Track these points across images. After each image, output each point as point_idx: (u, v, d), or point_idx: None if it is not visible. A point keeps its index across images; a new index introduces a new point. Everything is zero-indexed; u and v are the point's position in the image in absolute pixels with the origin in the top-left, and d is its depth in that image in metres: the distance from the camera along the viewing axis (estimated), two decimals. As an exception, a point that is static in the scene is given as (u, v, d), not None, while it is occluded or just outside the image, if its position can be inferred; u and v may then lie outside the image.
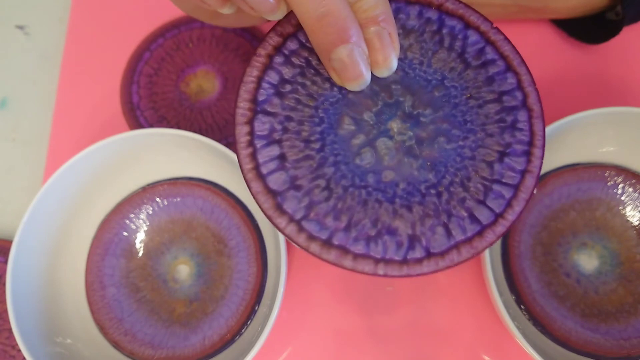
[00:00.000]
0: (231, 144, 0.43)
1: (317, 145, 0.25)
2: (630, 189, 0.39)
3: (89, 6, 0.49)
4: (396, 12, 0.26)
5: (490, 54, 0.26)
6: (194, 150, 0.38)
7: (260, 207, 0.24)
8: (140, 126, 0.45)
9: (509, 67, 0.26)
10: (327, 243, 0.23)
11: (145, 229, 0.41)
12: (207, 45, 0.47)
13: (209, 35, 0.47)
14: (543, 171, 0.39)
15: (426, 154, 0.25)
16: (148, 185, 0.41)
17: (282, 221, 0.24)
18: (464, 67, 0.26)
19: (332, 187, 0.24)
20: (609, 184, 0.39)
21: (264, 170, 0.24)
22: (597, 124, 0.37)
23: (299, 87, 0.25)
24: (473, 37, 0.26)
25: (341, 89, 0.25)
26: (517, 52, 0.26)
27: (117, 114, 0.46)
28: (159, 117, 0.45)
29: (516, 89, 0.25)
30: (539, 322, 0.37)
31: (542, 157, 0.24)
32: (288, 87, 0.25)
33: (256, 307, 0.37)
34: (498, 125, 0.25)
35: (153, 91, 0.46)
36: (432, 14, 0.26)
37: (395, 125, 0.25)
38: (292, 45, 0.25)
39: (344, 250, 0.23)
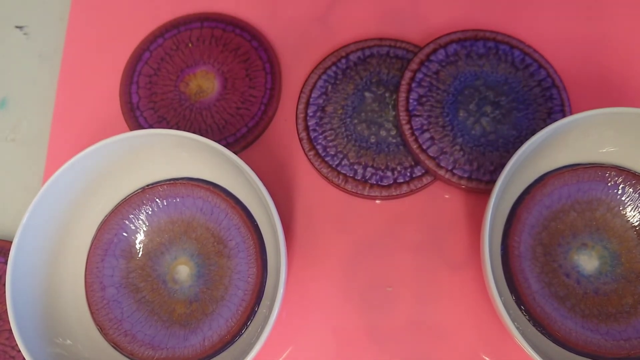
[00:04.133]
0: (230, 145, 0.43)
1: (449, 128, 0.42)
2: (631, 190, 0.39)
3: (89, 6, 0.49)
4: (470, 47, 0.44)
5: (528, 60, 0.44)
6: (194, 151, 0.38)
7: (427, 167, 0.41)
8: (139, 126, 0.45)
9: (540, 66, 0.43)
10: (469, 177, 0.41)
11: (145, 229, 0.41)
12: (206, 45, 0.46)
13: (209, 35, 0.47)
14: (543, 171, 0.40)
15: (508, 121, 0.42)
16: (147, 185, 0.41)
17: (441, 171, 0.41)
18: (515, 70, 0.44)
19: (464, 149, 0.42)
20: (609, 184, 0.39)
21: (424, 146, 0.41)
22: (597, 124, 0.37)
23: (430, 98, 0.43)
24: (516, 52, 0.44)
25: (454, 94, 0.43)
26: (542, 56, 0.44)
27: (116, 114, 0.46)
28: (159, 118, 0.45)
29: (547, 77, 0.43)
30: (539, 323, 0.37)
31: (570, 113, 0.42)
32: (424, 100, 0.43)
33: (256, 308, 0.37)
34: (543, 98, 0.43)
35: (152, 91, 0.46)
36: (491, 44, 0.44)
37: (488, 108, 0.43)
38: (419, 75, 0.43)
39: (479, 181, 0.41)
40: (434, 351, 0.39)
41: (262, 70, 0.45)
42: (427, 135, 0.42)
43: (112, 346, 0.38)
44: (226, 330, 0.38)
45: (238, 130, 0.44)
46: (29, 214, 0.36)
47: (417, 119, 0.42)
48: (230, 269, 0.39)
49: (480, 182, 0.41)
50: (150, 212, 0.41)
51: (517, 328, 0.33)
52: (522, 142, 0.41)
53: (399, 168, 0.42)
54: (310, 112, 0.44)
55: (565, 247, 0.39)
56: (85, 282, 0.39)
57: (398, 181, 0.42)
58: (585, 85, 0.44)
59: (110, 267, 0.39)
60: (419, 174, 0.42)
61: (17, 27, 0.50)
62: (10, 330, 0.39)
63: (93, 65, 0.47)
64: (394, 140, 0.43)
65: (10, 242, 0.41)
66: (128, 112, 0.45)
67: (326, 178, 0.42)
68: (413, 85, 0.43)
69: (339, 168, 0.42)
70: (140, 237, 0.40)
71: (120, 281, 0.39)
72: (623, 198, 0.39)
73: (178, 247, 0.40)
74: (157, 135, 0.37)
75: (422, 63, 0.44)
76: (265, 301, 0.37)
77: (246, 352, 0.33)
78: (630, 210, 0.39)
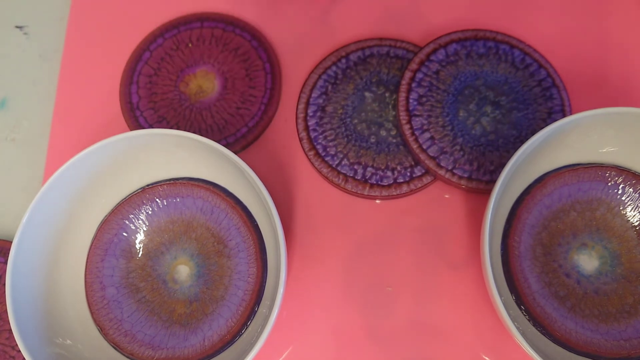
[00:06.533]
0: (230, 145, 0.43)
1: (449, 128, 0.42)
2: (631, 189, 0.39)
3: (89, 6, 0.49)
4: (470, 46, 0.44)
5: (528, 60, 0.44)
6: (194, 151, 0.38)
7: (427, 167, 0.41)
8: (139, 126, 0.45)
9: (540, 65, 0.43)
10: (469, 177, 0.41)
11: (145, 229, 0.41)
12: (206, 45, 0.46)
13: (209, 35, 0.47)
14: (543, 171, 0.40)
15: (508, 121, 0.42)
16: (147, 185, 0.41)
17: (441, 170, 0.41)
18: (515, 70, 0.44)
19: (464, 149, 0.42)
20: (609, 184, 0.39)
21: (424, 146, 0.42)
22: (597, 124, 0.37)
23: (430, 98, 0.43)
24: (516, 52, 0.44)
25: (454, 94, 0.43)
26: (542, 56, 0.44)
27: (116, 114, 0.46)
28: (159, 118, 0.45)
29: (547, 77, 0.43)
30: (539, 323, 0.37)
31: (570, 113, 0.42)
32: (424, 99, 0.43)
33: (256, 308, 0.37)
34: (543, 98, 0.43)
35: (152, 91, 0.46)
36: (491, 44, 0.44)
37: (488, 108, 0.43)
38: (419, 75, 0.43)
39: (479, 181, 0.41)
40: (434, 351, 0.39)
41: (262, 70, 0.45)
42: (427, 135, 0.42)
43: (112, 346, 0.38)
44: (226, 330, 0.38)
45: (238, 130, 0.44)
46: (29, 214, 0.36)
47: (417, 119, 0.42)
48: (230, 269, 0.39)
49: (480, 182, 0.41)
50: (150, 212, 0.41)
51: (517, 328, 0.33)
52: (522, 142, 0.41)
53: (399, 168, 0.42)
54: (310, 112, 0.44)
55: (565, 247, 0.39)
56: (85, 282, 0.39)
57: (398, 181, 0.42)
58: (585, 85, 0.44)
59: (110, 267, 0.39)
60: (419, 173, 0.42)
61: (17, 27, 0.50)
62: (10, 330, 0.39)
63: (93, 65, 0.47)
64: (394, 140, 0.43)
65: (10, 242, 0.41)
66: (128, 112, 0.45)
67: (326, 178, 0.42)
68: (413, 85, 0.43)
69: (339, 168, 0.42)
70: (140, 237, 0.41)
71: (120, 281, 0.39)
72: (623, 198, 0.39)
73: (178, 247, 0.40)
74: (157, 135, 0.37)
75: (422, 63, 0.44)
76: (265, 301, 0.37)
77: (246, 352, 0.33)
78: (631, 210, 0.39)
